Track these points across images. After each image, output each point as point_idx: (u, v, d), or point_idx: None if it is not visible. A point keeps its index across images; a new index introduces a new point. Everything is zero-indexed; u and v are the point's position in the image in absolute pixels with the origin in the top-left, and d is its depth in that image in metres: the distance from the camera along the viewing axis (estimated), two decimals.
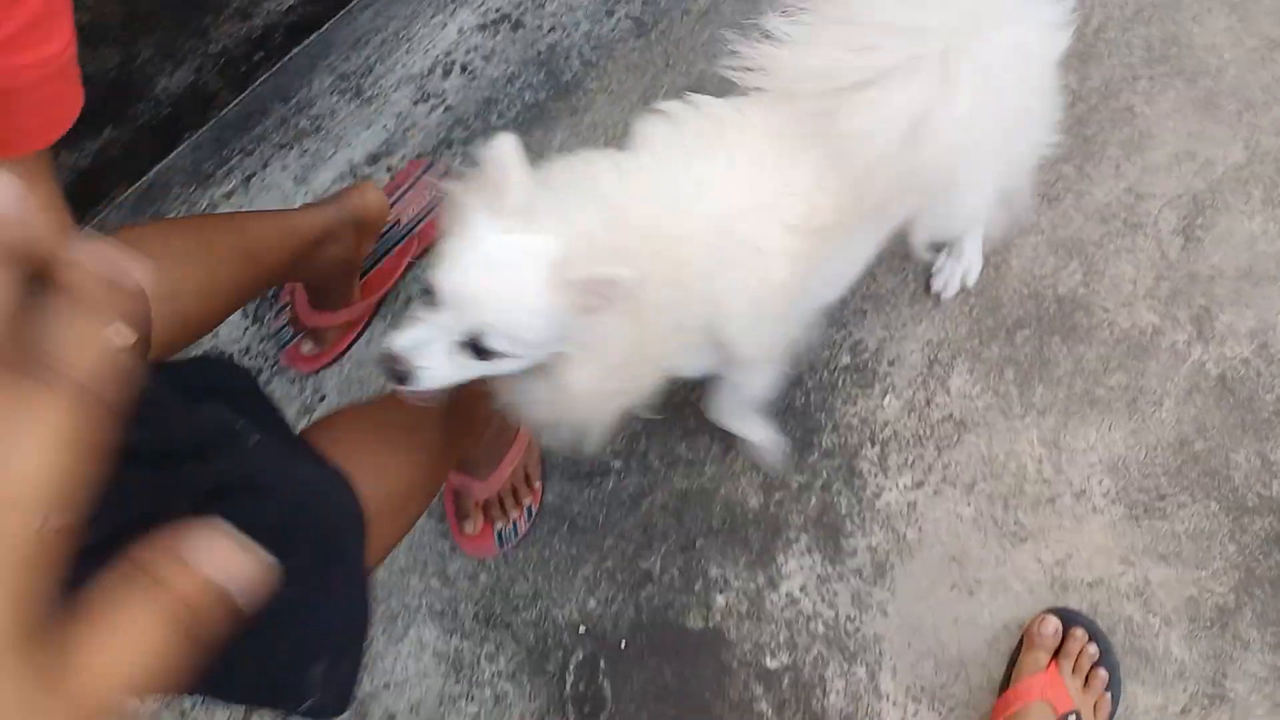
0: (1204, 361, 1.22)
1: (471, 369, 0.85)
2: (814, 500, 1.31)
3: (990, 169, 1.00)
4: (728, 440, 1.32)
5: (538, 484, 1.37)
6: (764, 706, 1.26)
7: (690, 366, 1.05)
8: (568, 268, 0.80)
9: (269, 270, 1.21)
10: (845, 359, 1.34)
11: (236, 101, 1.57)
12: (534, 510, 1.37)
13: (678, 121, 0.93)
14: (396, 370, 0.84)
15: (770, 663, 1.28)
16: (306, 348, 1.45)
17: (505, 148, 0.80)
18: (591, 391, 0.89)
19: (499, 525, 1.36)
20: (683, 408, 1.35)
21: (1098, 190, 1.30)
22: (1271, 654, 1.14)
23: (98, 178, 1.48)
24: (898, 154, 0.89)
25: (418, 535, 1.41)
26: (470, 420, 1.17)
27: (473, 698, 1.34)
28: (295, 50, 1.59)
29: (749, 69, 0.90)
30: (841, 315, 1.35)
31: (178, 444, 0.69)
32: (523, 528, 1.36)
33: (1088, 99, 1.34)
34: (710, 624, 1.30)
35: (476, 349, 0.83)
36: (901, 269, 1.34)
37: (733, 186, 0.92)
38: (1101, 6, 1.38)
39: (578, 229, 0.82)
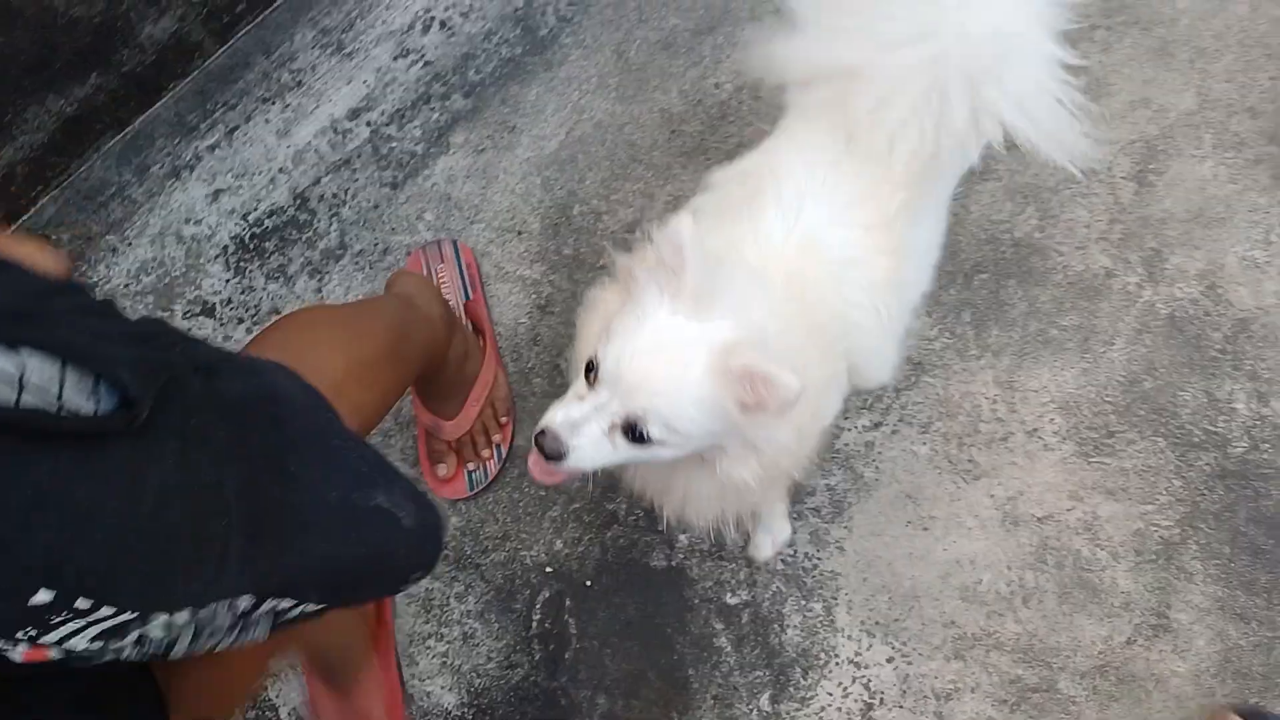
0: (1154, 302, 1.25)
1: (625, 453, 0.84)
2: None
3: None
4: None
5: (505, 419, 1.40)
6: (723, 641, 1.29)
7: (835, 407, 1.06)
8: (733, 354, 0.78)
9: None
10: None
11: (219, 53, 1.60)
12: (504, 451, 1.40)
13: (728, 188, 1.00)
14: (549, 446, 0.84)
15: (730, 599, 1.30)
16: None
17: (683, 230, 0.79)
18: (756, 483, 0.88)
19: (470, 466, 1.39)
20: None
21: None
22: (1214, 585, 1.16)
23: (85, 125, 1.51)
24: (910, 118, 0.92)
25: None
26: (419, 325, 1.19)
27: (442, 636, 1.38)
28: (278, 2, 1.62)
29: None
30: None
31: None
32: (493, 470, 1.39)
33: None
34: (673, 562, 1.33)
35: (633, 432, 0.82)
36: None
37: (805, 219, 0.95)
38: None
39: (750, 319, 0.82)
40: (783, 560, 1.29)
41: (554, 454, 0.83)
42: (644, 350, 0.80)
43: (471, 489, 1.40)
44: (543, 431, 0.84)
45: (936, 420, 1.29)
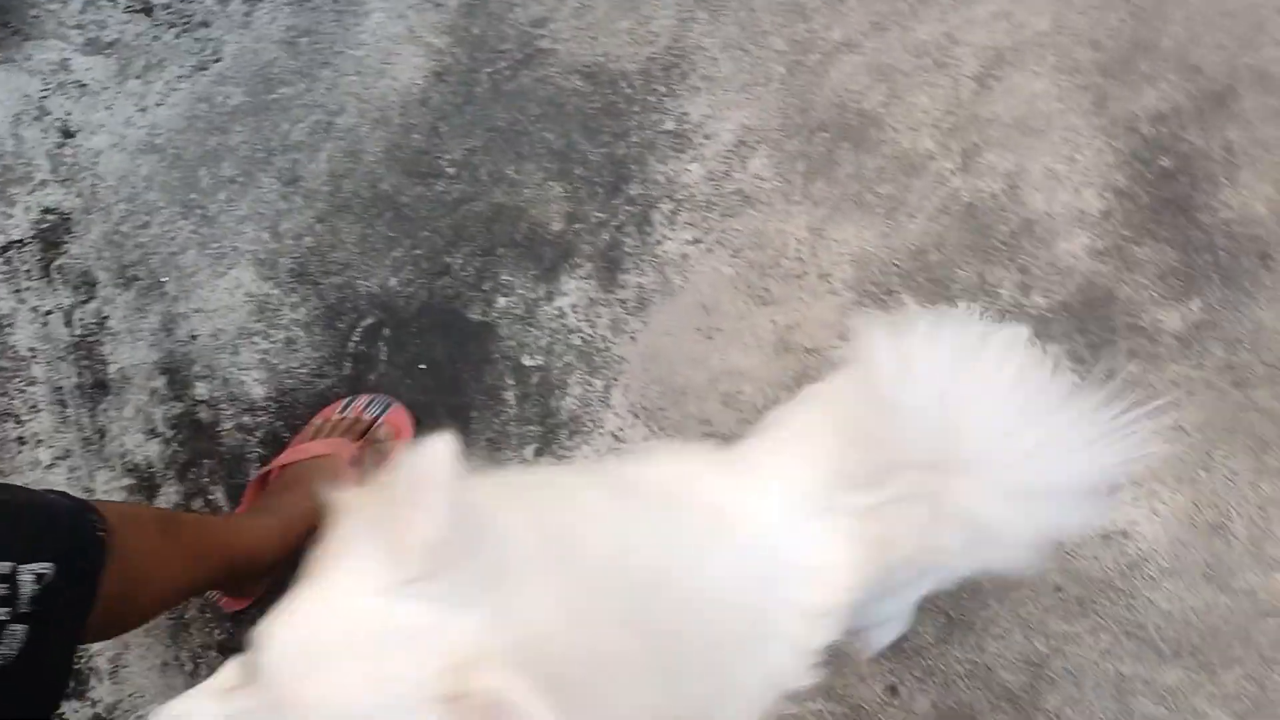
0: (960, 189, 1.37)
1: None
2: (606, 236, 1.46)
3: None
4: (555, 174, 1.47)
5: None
6: (509, 395, 1.42)
7: None
8: (474, 670, 0.51)
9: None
10: (669, 125, 1.49)
11: None
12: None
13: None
14: None
15: (527, 361, 1.43)
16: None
17: (438, 451, 0.53)
18: None
19: None
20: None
21: (921, 29, 1.44)
22: None
23: None
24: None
25: (262, 193, 1.56)
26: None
27: (268, 335, 1.50)
28: None
29: None
30: (677, 89, 1.49)
31: None
32: None
33: None
34: (488, 318, 1.46)
35: None
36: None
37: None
38: None
39: (526, 610, 0.55)
40: (581, 338, 1.42)
41: None
42: (331, 641, 0.52)
43: None
44: None
45: (748, 249, 1.41)
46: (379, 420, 1.40)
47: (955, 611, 1.23)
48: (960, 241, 1.35)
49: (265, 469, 1.37)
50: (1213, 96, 1.39)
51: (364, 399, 1.42)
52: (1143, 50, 1.40)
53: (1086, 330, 1.31)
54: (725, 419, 1.35)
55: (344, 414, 1.41)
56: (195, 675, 1.38)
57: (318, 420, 1.43)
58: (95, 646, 1.39)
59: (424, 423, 1.43)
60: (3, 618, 0.77)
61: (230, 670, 0.57)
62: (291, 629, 0.53)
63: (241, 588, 1.34)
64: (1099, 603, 1.20)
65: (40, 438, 1.50)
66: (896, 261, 1.37)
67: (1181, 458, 1.22)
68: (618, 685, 0.58)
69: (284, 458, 1.35)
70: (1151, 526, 1.21)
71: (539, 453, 1.39)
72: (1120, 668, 1.18)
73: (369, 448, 1.36)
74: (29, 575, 0.80)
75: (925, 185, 1.38)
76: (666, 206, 1.46)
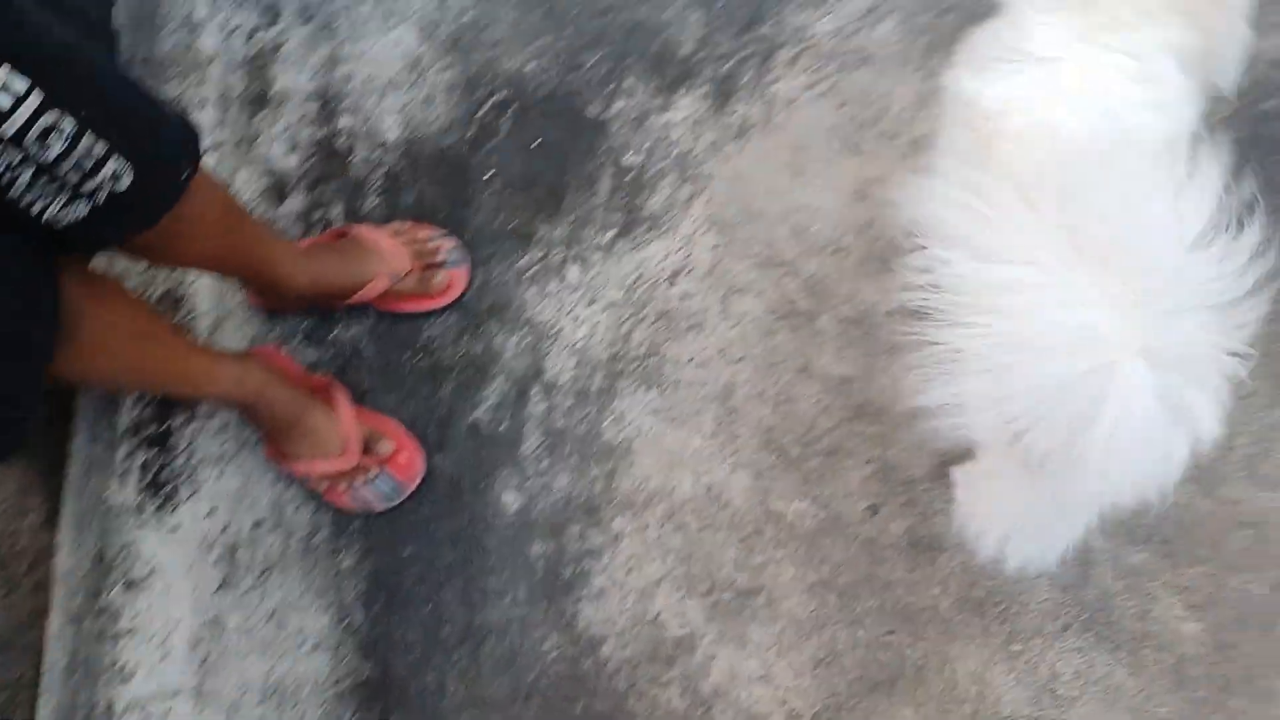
0: None
1: None
2: (728, 67, 1.57)
3: None
4: None
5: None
6: (605, 185, 1.55)
7: None
8: None
9: None
10: None
11: None
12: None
13: None
14: None
15: (627, 159, 1.56)
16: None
17: None
18: None
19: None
20: None
21: None
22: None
23: None
24: None
25: None
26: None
27: (412, 88, 1.67)
28: None
29: None
30: None
31: None
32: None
33: None
34: (603, 116, 1.59)
35: None
36: None
37: None
38: None
39: None
40: (680, 149, 1.54)
41: None
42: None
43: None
44: None
45: (853, 103, 1.50)
46: (444, 265, 1.52)
47: (951, 460, 1.31)
48: None
49: (345, 227, 1.54)
50: None
51: (452, 242, 1.53)
52: None
53: None
54: (788, 245, 1.45)
55: (427, 241, 1.53)
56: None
57: (406, 226, 1.55)
58: None
59: (526, 191, 1.57)
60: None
61: None
62: None
63: (263, 293, 1.52)
64: None
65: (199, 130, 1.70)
66: None
67: None
68: None
69: (361, 228, 1.51)
70: None
71: (617, 237, 1.52)
72: (1090, 539, 1.24)
73: (420, 274, 1.51)
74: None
75: None
76: (791, 50, 1.55)
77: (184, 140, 1.08)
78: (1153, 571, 1.22)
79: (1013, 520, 0.96)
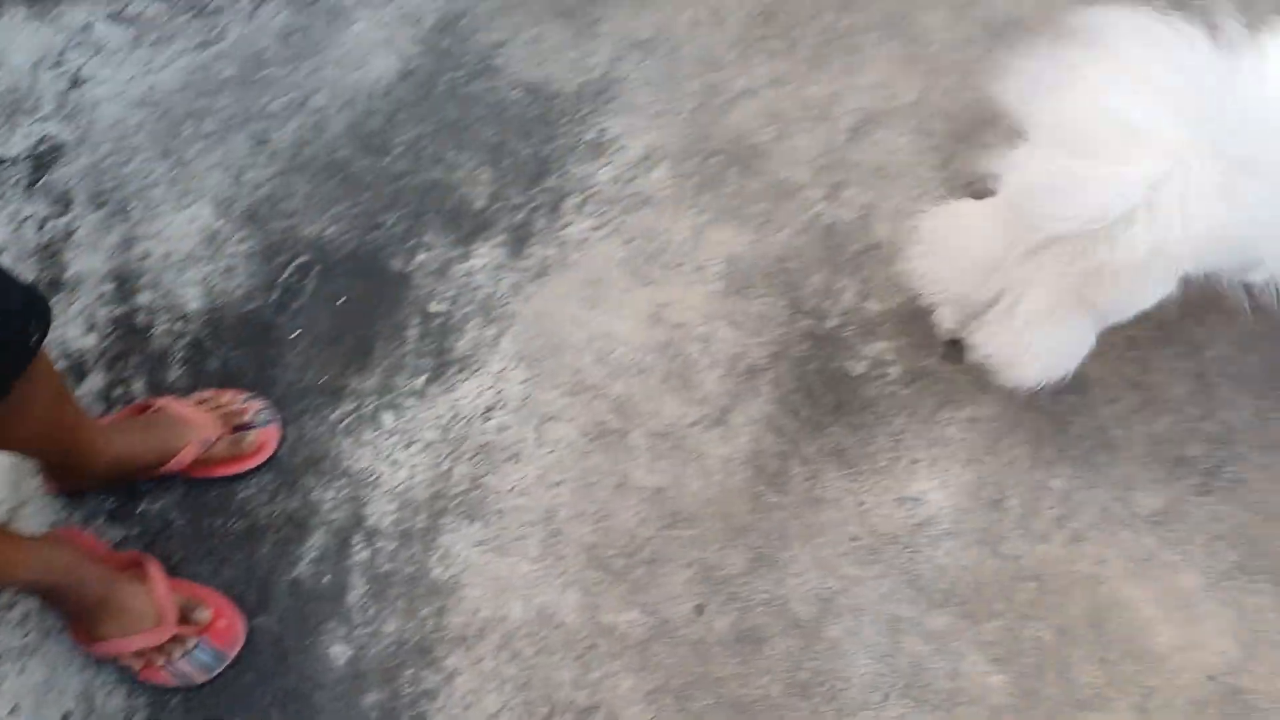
0: (822, 213, 1.61)
1: None
2: (521, 216, 1.69)
3: None
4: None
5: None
6: (413, 333, 1.61)
7: None
8: None
9: None
10: (590, 135, 1.74)
11: None
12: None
13: None
14: None
15: (433, 307, 1.63)
16: None
17: None
18: None
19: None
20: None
21: (813, 88, 1.71)
22: (770, 406, 1.48)
23: None
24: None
25: (233, 148, 1.79)
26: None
27: (212, 261, 1.70)
28: None
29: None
30: (601, 109, 1.75)
31: None
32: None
33: (835, 29, 1.77)
34: (407, 269, 1.66)
35: None
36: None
37: None
38: None
39: None
40: (484, 293, 1.62)
41: None
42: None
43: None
44: None
45: (639, 238, 1.63)
46: (255, 426, 1.53)
47: (765, 548, 1.38)
48: (815, 255, 1.58)
49: (148, 400, 1.54)
50: None
51: (260, 403, 1.55)
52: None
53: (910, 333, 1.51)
54: (594, 371, 1.54)
55: (234, 404, 1.54)
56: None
57: (209, 394, 1.56)
58: None
59: (334, 347, 1.60)
60: None
61: None
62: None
63: (63, 476, 1.49)
64: (886, 552, 1.36)
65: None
66: (760, 265, 1.58)
67: (972, 443, 1.41)
68: None
69: (165, 400, 1.52)
70: (939, 495, 1.38)
71: (429, 382, 1.56)
72: (897, 610, 1.33)
73: (230, 437, 1.51)
74: None
75: (794, 207, 1.62)
76: (577, 198, 1.69)
77: (30, 301, 1.08)
78: (956, 631, 1.31)
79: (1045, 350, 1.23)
